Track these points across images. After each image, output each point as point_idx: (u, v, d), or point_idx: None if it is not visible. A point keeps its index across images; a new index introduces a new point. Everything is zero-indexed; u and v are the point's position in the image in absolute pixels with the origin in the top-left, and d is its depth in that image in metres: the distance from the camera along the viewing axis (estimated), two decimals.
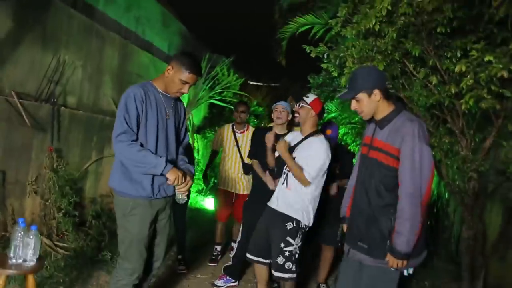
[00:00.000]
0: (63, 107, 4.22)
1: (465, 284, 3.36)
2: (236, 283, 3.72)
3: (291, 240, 2.89)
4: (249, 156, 3.86)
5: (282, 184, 3.01)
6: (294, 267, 2.91)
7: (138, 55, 5.89)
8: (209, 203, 7.26)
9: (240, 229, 3.71)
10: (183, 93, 2.41)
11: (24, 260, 2.14)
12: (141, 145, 2.27)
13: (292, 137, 3.16)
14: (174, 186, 2.40)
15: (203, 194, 8.26)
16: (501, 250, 3.57)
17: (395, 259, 2.05)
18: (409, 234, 2.01)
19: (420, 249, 2.17)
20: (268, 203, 3.10)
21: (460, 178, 3.17)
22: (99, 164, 4.97)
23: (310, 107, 2.97)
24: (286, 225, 2.89)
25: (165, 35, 7.68)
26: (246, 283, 3.80)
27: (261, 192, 3.51)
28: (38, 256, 2.18)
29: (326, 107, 9.00)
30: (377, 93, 2.16)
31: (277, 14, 7.13)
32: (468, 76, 2.43)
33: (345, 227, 2.49)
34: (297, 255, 2.92)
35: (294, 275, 2.93)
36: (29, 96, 3.81)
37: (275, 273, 2.94)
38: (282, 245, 2.89)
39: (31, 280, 2.17)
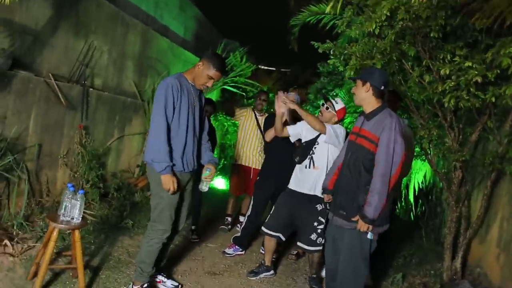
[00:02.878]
0: (91, 88, 4.64)
1: (447, 261, 3.77)
2: (243, 252, 4.18)
3: (322, 219, 3.36)
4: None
5: (308, 167, 3.41)
6: (323, 240, 3.37)
7: (157, 40, 6.25)
8: (218, 182, 7.70)
9: (251, 204, 4.15)
10: (207, 87, 2.87)
11: (72, 218, 2.61)
12: (169, 133, 2.70)
13: (306, 128, 3.51)
14: (199, 165, 2.95)
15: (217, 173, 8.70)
16: (481, 234, 3.95)
17: (364, 223, 2.59)
18: (376, 205, 2.53)
19: (384, 220, 2.68)
20: (292, 187, 3.52)
21: (447, 167, 3.53)
22: (121, 141, 5.41)
23: (335, 114, 3.43)
24: (317, 207, 3.35)
25: (182, 19, 8.00)
26: (252, 253, 4.25)
27: (271, 172, 4.04)
28: (82, 216, 2.64)
29: (335, 94, 9.34)
30: (368, 86, 2.67)
31: (292, 1, 7.37)
32: (452, 78, 2.80)
33: (326, 197, 3.06)
34: (324, 231, 3.37)
35: (322, 248, 3.40)
36: (63, 78, 4.23)
37: (309, 248, 3.42)
38: (315, 224, 3.37)
39: (77, 234, 2.63)
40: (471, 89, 2.80)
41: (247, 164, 4.80)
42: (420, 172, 6.74)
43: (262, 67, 13.74)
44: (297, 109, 3.37)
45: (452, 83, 2.81)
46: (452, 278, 3.75)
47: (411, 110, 3.65)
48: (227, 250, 4.12)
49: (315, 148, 3.43)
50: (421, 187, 6.09)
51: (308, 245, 3.43)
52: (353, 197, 2.67)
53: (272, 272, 3.73)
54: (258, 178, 4.25)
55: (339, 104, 3.47)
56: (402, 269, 4.10)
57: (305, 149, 3.49)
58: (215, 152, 9.00)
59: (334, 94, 9.20)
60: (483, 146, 3.90)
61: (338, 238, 2.78)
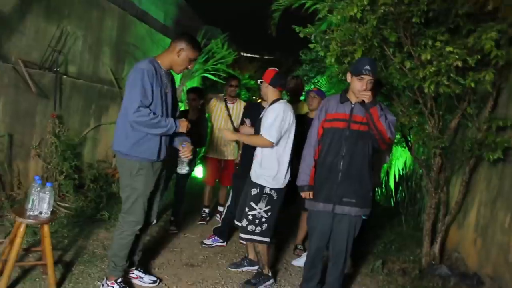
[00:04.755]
0: (64, 76, 4.47)
1: (425, 247, 3.80)
2: (224, 243, 4.09)
3: (253, 205, 3.13)
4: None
5: (253, 155, 3.27)
6: (258, 229, 3.12)
7: (136, 26, 6.07)
8: (198, 171, 7.59)
9: (230, 194, 4.07)
10: (188, 69, 2.82)
11: (40, 213, 2.48)
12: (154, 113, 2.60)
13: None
14: (174, 152, 2.83)
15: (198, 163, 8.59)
16: (459, 220, 3.99)
17: None
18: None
19: (371, 202, 2.87)
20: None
21: (426, 153, 3.52)
22: (97, 131, 5.26)
23: (263, 80, 3.22)
24: (251, 191, 3.17)
25: (161, 5, 7.77)
26: (231, 243, 4.19)
27: (250, 162, 3.90)
28: (51, 210, 2.52)
29: (317, 81, 9.30)
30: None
31: None
32: (433, 63, 2.77)
33: (309, 194, 2.89)
34: (263, 219, 3.13)
35: (259, 238, 3.15)
36: (34, 64, 4.05)
37: (240, 235, 3.22)
38: (246, 209, 3.16)
39: (46, 229, 2.51)
40: (451, 75, 2.79)
41: (217, 157, 4.65)
42: (401, 159, 6.79)
43: (245, 54, 13.58)
44: (238, 138, 3.36)
45: (433, 68, 2.79)
46: (430, 263, 3.80)
47: (391, 97, 3.62)
48: (205, 241, 4.04)
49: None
50: (401, 173, 6.13)
51: (240, 233, 3.21)
52: (361, 182, 2.74)
53: (256, 267, 3.44)
54: (237, 167, 4.17)
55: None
56: (382, 256, 4.11)
57: (256, 131, 3.37)
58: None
59: (316, 81, 9.17)
60: (462, 133, 3.91)
61: (333, 224, 2.83)
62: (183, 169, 2.88)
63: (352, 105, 2.77)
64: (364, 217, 2.88)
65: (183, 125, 2.74)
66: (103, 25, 5.17)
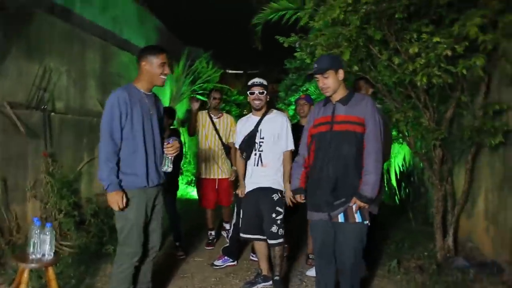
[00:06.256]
0: (52, 113, 4.40)
1: (439, 241, 3.74)
2: (234, 263, 4.00)
3: (279, 209, 3.29)
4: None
5: (256, 165, 3.36)
6: (282, 231, 3.31)
7: (118, 55, 6.04)
8: (195, 193, 7.50)
9: (235, 211, 3.98)
10: (166, 75, 2.69)
11: (43, 255, 2.40)
12: (119, 149, 2.56)
13: (246, 121, 3.52)
14: (164, 174, 2.74)
15: (192, 185, 8.50)
16: (468, 209, 3.95)
17: (362, 203, 2.52)
18: (374, 183, 2.50)
19: (378, 201, 2.68)
20: (248, 189, 3.42)
21: (426, 147, 3.50)
22: (91, 164, 5.16)
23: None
24: (273, 197, 3.28)
25: (142, 32, 7.80)
26: (242, 261, 4.10)
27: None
28: (54, 251, 2.44)
29: (305, 89, 9.32)
30: (341, 73, 2.61)
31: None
32: (422, 56, 2.77)
33: (299, 197, 2.87)
34: (283, 222, 3.32)
35: (283, 239, 3.35)
36: (20, 105, 3.97)
37: (271, 241, 3.29)
38: (273, 215, 3.26)
39: (51, 272, 2.43)
40: (442, 65, 2.78)
41: (210, 177, 4.47)
42: (399, 156, 6.77)
43: (230, 71, 13.64)
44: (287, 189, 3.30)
45: (422, 60, 2.79)
46: (446, 257, 3.74)
47: (383, 94, 3.61)
48: (216, 262, 3.95)
49: (261, 143, 3.35)
50: (402, 170, 6.11)
51: (270, 239, 3.28)
52: (351, 185, 2.56)
53: (271, 282, 3.42)
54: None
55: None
56: (396, 255, 4.04)
57: (248, 142, 3.40)
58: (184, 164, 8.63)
59: (304, 89, 9.18)
60: (458, 122, 3.91)
61: (335, 233, 2.66)
62: (166, 167, 2.69)
63: (334, 105, 2.65)
64: (366, 222, 2.65)
65: (109, 199, 2.51)
66: (86, 58, 5.13)
